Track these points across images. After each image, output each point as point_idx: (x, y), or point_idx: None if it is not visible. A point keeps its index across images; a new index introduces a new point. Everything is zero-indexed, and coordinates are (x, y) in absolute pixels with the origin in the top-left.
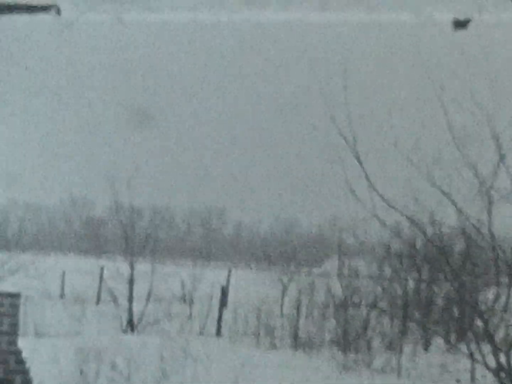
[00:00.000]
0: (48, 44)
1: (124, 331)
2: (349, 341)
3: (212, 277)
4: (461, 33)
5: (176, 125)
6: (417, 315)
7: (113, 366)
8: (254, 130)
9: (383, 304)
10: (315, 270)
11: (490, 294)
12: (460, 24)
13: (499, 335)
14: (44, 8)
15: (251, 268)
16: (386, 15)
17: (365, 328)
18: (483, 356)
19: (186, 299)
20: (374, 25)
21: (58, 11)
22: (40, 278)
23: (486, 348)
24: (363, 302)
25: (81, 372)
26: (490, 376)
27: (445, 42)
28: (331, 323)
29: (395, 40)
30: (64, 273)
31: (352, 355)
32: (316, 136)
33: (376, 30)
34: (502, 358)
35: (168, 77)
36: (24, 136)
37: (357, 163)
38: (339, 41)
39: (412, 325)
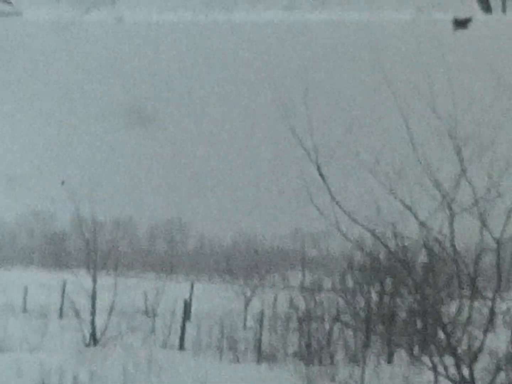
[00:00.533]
0: (48, 44)
1: (87, 345)
2: (312, 353)
3: (175, 290)
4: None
5: (138, 136)
6: (380, 327)
7: (76, 380)
8: (214, 143)
9: (346, 317)
10: (278, 283)
11: (452, 307)
12: (461, 24)
13: (462, 347)
14: (12, 14)
15: (213, 282)
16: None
17: (328, 341)
18: (446, 368)
19: (149, 313)
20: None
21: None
22: (2, 292)
23: (450, 360)
24: (326, 315)
25: None
26: None
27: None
28: (295, 336)
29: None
30: (26, 287)
31: (315, 368)
32: (278, 149)
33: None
34: (465, 371)
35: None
36: None
37: (319, 176)
38: (301, 49)
39: (375, 337)
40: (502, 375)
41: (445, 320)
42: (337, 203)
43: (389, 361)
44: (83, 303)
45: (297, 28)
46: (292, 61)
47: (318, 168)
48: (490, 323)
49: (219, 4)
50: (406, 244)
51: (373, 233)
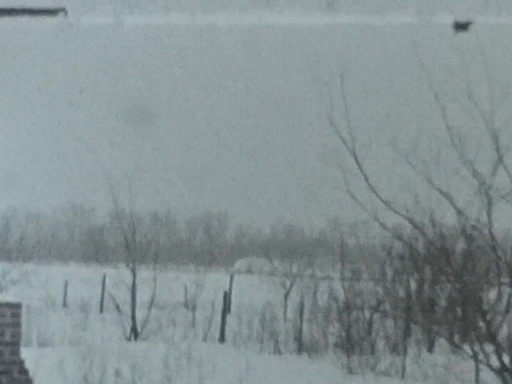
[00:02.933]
0: (49, 45)
1: (128, 339)
2: (353, 344)
3: (214, 282)
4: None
5: (177, 129)
6: (420, 316)
7: (118, 374)
8: (254, 135)
9: (386, 307)
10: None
11: (492, 294)
12: (461, 27)
13: (502, 335)
14: (52, 11)
15: (253, 273)
16: (388, 17)
17: (368, 330)
18: (486, 356)
19: (189, 305)
20: (375, 27)
21: (66, 14)
22: (42, 288)
23: (490, 348)
24: (366, 305)
25: (86, 380)
26: (494, 376)
27: (446, 44)
28: (335, 326)
29: (395, 42)
30: (66, 281)
31: (356, 358)
32: (315, 139)
33: (378, 31)
34: (506, 359)
35: (169, 80)
36: (24, 144)
37: (356, 166)
38: (339, 42)
39: (415, 326)
40: None
41: (485, 307)
42: (374, 192)
43: (430, 350)
44: (123, 297)
45: (334, 29)
46: (330, 50)
47: (355, 157)
48: None
49: (218, 7)
50: (444, 232)
51: (411, 222)
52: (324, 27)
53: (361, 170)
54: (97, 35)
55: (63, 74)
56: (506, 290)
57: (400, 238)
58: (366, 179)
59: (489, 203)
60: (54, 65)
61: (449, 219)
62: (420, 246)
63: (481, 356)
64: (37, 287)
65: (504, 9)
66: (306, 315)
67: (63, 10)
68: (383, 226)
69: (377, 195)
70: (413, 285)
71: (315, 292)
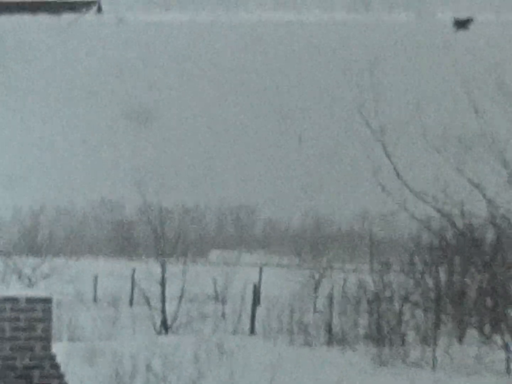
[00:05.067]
0: (51, 45)
1: (158, 332)
2: (383, 335)
3: (244, 275)
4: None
5: (205, 123)
6: (450, 307)
7: (149, 368)
8: (284, 128)
9: (415, 297)
10: (346, 265)
11: None
12: (462, 24)
13: None
14: (86, 5)
15: (282, 266)
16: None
17: (398, 322)
18: None
19: (219, 298)
20: (407, 22)
21: (99, 9)
22: (73, 282)
23: None
24: (395, 296)
25: (117, 374)
26: None
27: (478, 39)
28: (365, 318)
29: (426, 36)
30: (96, 276)
31: (386, 349)
32: (346, 131)
33: (409, 27)
34: None
35: (179, 77)
36: (52, 140)
37: (385, 156)
38: (367, 37)
39: (445, 317)
40: None
41: None
42: (404, 182)
43: (460, 340)
44: (153, 291)
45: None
46: (360, 44)
47: (385, 148)
48: None
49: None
50: (474, 222)
51: (441, 212)
52: (356, 22)
53: (391, 161)
54: (99, 33)
55: (76, 72)
56: None
57: (429, 228)
58: (395, 169)
59: None
60: (72, 63)
61: (479, 209)
62: (450, 236)
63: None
64: (67, 281)
65: None
66: (336, 307)
67: (95, 3)
68: (412, 216)
69: (407, 186)
70: (443, 276)
71: (344, 284)
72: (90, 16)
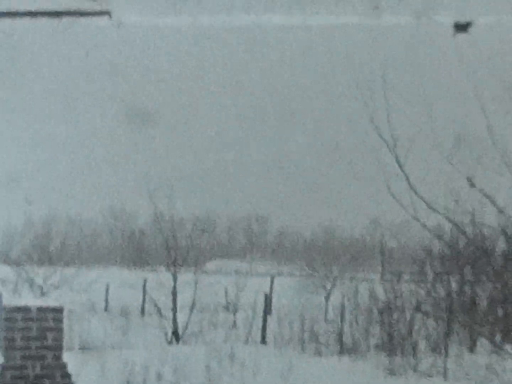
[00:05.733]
0: (48, 45)
1: (170, 342)
2: (394, 345)
3: (255, 284)
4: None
5: (217, 133)
6: (461, 316)
7: (160, 377)
8: (294, 137)
9: (427, 307)
10: (358, 275)
11: None
12: (461, 28)
13: None
14: (98, 13)
15: (293, 275)
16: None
17: (410, 331)
18: None
19: (230, 308)
20: (419, 28)
21: (110, 16)
22: (84, 292)
23: None
24: (407, 306)
25: None
26: None
27: (488, 47)
28: (376, 327)
29: (438, 43)
30: (108, 286)
31: (398, 359)
32: (356, 140)
33: (420, 33)
34: None
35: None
36: (64, 150)
37: (397, 165)
38: (379, 44)
39: (456, 327)
40: None
41: None
42: (415, 192)
43: (471, 350)
44: (164, 301)
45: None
46: (371, 52)
47: (396, 157)
48: None
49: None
50: (484, 232)
51: (452, 222)
52: (367, 28)
53: (402, 170)
54: (99, 35)
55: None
56: None
57: (440, 238)
58: (407, 178)
59: None
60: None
61: (489, 219)
62: (461, 246)
63: None
64: (79, 291)
65: None
66: (347, 317)
67: (108, 13)
68: (423, 226)
69: (417, 195)
70: (454, 285)
71: (356, 293)
72: (89, 19)
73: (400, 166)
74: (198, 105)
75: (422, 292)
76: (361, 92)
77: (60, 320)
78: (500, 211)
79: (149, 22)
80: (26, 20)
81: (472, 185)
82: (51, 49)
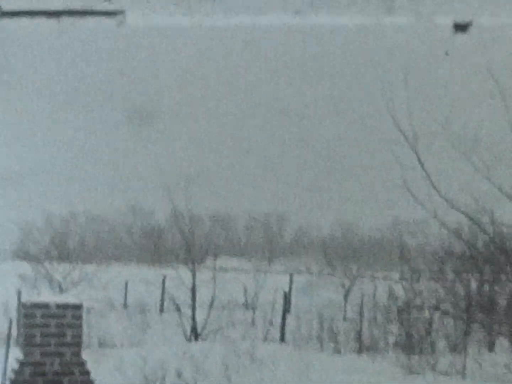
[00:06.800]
0: (48, 45)
1: (188, 340)
2: (413, 343)
3: (274, 282)
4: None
5: (234, 130)
6: (480, 316)
7: (179, 375)
8: (314, 134)
9: (446, 306)
10: (377, 273)
11: None
12: (461, 28)
13: None
14: (112, 13)
15: (312, 273)
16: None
17: (428, 330)
18: None
19: (249, 306)
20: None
21: (124, 17)
22: (103, 289)
23: None
24: (426, 304)
25: (146, 381)
26: None
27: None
28: (395, 326)
29: (458, 42)
30: (127, 283)
31: (416, 358)
32: (376, 137)
33: (440, 31)
34: None
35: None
36: (82, 147)
37: (417, 164)
38: (402, 42)
39: (475, 326)
40: None
41: None
42: (436, 190)
43: (490, 349)
44: (183, 298)
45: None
46: (393, 49)
47: (417, 155)
48: None
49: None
50: (504, 230)
51: (473, 220)
52: (386, 27)
53: (423, 168)
54: (99, 35)
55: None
56: None
57: (460, 237)
58: (428, 177)
59: None
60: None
61: (509, 218)
62: (480, 245)
63: None
64: (98, 288)
65: None
66: (366, 315)
67: (122, 12)
68: (443, 224)
69: (439, 194)
70: (473, 284)
71: (374, 292)
72: (88, 19)
73: (421, 165)
74: (216, 101)
75: (441, 291)
76: (383, 90)
77: (79, 317)
78: None
79: (149, 23)
80: (26, 20)
81: (492, 183)
82: (51, 49)
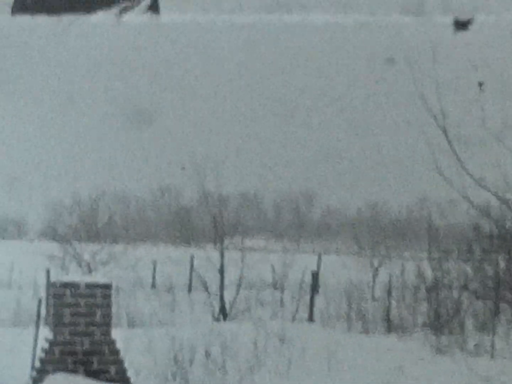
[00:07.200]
0: (48, 45)
1: (217, 319)
2: (441, 323)
3: (302, 262)
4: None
5: (265, 114)
6: (509, 295)
7: (208, 354)
8: (343, 116)
9: (474, 286)
10: (405, 253)
11: None
12: (461, 25)
13: None
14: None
15: (340, 253)
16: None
17: (457, 310)
18: None
19: (277, 286)
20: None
21: (158, 12)
22: (131, 268)
23: None
24: (454, 284)
25: (175, 361)
26: None
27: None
28: (423, 305)
29: (492, 31)
30: (155, 262)
31: (445, 337)
32: (405, 118)
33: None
34: None
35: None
36: (116, 129)
37: (446, 143)
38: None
39: (504, 305)
40: None
41: None
42: (465, 169)
43: None
44: (211, 278)
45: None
46: (421, 41)
47: (446, 134)
48: None
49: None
50: None
51: (502, 199)
52: (414, 22)
53: (451, 147)
54: (98, 33)
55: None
56: None
57: (488, 216)
58: (457, 155)
59: None
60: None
61: None
62: (509, 224)
63: None
64: (126, 268)
65: None
66: (394, 295)
67: (156, 8)
68: (472, 204)
69: (467, 173)
70: (502, 264)
71: (403, 272)
72: (90, 17)
73: (449, 143)
74: (248, 85)
75: (470, 270)
76: (411, 68)
77: (108, 297)
78: None
79: (148, 21)
80: (25, 18)
81: None
82: (51, 48)
